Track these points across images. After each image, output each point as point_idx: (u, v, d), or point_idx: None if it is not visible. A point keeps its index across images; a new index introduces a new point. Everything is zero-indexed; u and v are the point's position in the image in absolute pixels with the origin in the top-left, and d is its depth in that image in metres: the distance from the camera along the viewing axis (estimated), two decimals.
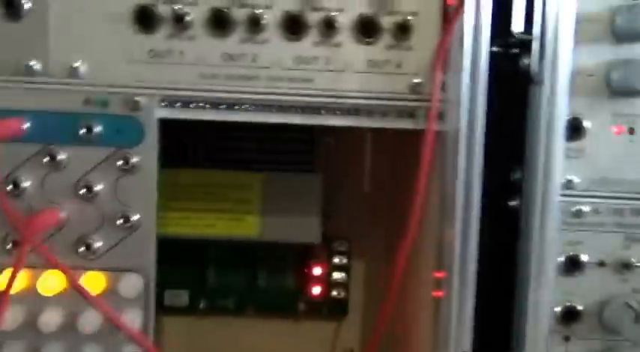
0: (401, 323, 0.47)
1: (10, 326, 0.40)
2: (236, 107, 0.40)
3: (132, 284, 0.41)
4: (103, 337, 0.41)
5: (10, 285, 0.36)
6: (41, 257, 0.37)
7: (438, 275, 0.42)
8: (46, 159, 0.40)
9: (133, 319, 0.41)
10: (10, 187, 0.40)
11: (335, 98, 0.40)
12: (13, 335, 0.40)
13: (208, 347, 0.57)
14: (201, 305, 0.57)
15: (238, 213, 0.52)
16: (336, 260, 0.58)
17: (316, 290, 0.57)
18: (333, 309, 0.58)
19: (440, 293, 0.42)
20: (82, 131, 0.40)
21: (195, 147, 0.52)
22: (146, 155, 0.40)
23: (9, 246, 0.40)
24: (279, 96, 0.40)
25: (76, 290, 0.36)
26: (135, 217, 0.40)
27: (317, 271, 0.57)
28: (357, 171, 0.58)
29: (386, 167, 0.58)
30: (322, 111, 0.41)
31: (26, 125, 0.39)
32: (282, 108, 0.40)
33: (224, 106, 0.40)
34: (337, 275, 0.58)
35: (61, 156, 0.40)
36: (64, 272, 0.36)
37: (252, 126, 0.51)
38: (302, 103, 0.40)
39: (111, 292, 0.41)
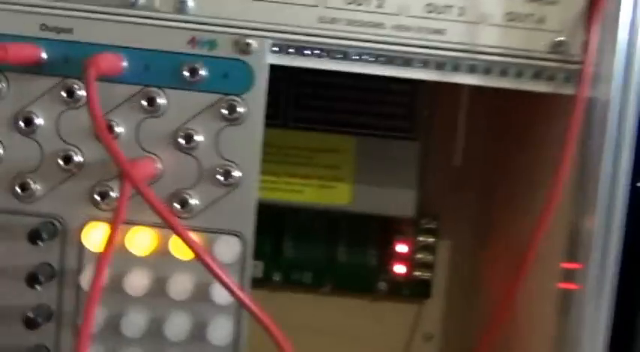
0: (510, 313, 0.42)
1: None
2: (355, 57, 0.36)
3: (229, 248, 0.37)
4: (191, 304, 0.37)
5: (112, 238, 0.32)
6: (142, 204, 0.32)
7: (569, 266, 0.37)
8: (143, 103, 0.36)
9: None
10: None
11: (467, 53, 0.36)
12: None
13: (280, 323, 0.53)
14: (276, 278, 0.53)
15: (328, 179, 0.48)
16: (422, 238, 0.53)
17: (399, 269, 0.53)
18: (415, 291, 0.54)
19: (569, 285, 0.37)
20: (186, 74, 0.35)
21: (285, 106, 0.48)
22: (254, 104, 0.36)
23: (97, 198, 0.36)
24: (405, 47, 0.36)
25: (182, 239, 0.32)
26: (237, 174, 0.36)
27: (401, 249, 0.53)
28: (448, 143, 0.54)
29: (480, 141, 0.53)
30: (451, 67, 0.36)
31: (124, 63, 0.35)
32: (407, 61, 0.36)
33: (341, 56, 0.36)
34: (422, 255, 0.54)
35: (161, 101, 0.36)
36: (169, 219, 0.32)
37: (347, 85, 0.48)
38: (430, 57, 0.36)
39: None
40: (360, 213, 0.48)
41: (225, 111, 0.36)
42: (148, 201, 0.32)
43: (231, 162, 0.36)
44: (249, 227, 0.37)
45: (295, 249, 0.53)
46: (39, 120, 0.36)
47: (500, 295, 0.49)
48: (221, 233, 0.37)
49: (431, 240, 0.53)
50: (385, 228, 0.53)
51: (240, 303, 0.34)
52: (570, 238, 0.38)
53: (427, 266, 0.54)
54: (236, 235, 0.37)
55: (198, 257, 0.33)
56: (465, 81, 0.36)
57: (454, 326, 0.55)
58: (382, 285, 0.54)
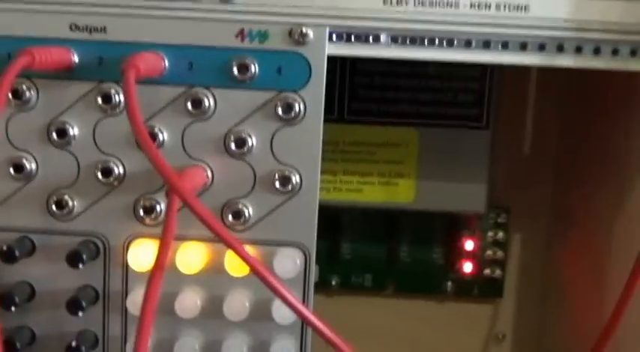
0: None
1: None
2: (427, 42, 0.32)
3: (290, 261, 0.33)
4: (250, 325, 0.33)
5: (162, 258, 0.28)
6: (191, 219, 0.28)
7: None
8: (188, 106, 0.32)
9: None
10: None
11: (555, 31, 0.31)
12: None
13: (340, 329, 0.50)
14: (334, 282, 0.49)
15: (390, 176, 0.44)
16: (492, 233, 0.49)
17: (467, 267, 0.49)
18: (485, 290, 0.50)
19: None
20: (235, 71, 0.31)
21: (340, 98, 0.44)
22: (312, 101, 0.32)
23: (141, 212, 0.33)
24: (483, 27, 0.31)
25: (237, 254, 0.28)
26: (295, 179, 0.32)
27: (469, 245, 0.49)
28: (516, 130, 0.49)
29: (551, 127, 0.49)
30: (535, 48, 0.32)
31: (165, 63, 0.31)
32: (486, 43, 0.32)
33: (410, 42, 0.32)
34: (492, 251, 0.49)
35: (208, 102, 0.32)
36: (222, 234, 0.28)
37: (407, 72, 0.43)
38: (511, 37, 0.31)
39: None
40: (426, 212, 0.44)
41: (280, 110, 0.32)
42: (197, 214, 0.28)
43: (289, 166, 0.32)
44: (311, 237, 0.33)
45: (353, 250, 0.49)
46: (74, 131, 0.32)
47: (581, 293, 0.44)
48: (280, 245, 0.33)
49: (501, 235, 0.49)
50: (451, 224, 0.49)
51: (305, 321, 0.31)
52: None
53: (498, 263, 0.49)
54: (297, 246, 0.33)
55: (256, 273, 0.29)
56: (554, 63, 0.32)
57: (528, 326, 0.51)
58: (449, 285, 0.50)
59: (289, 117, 0.32)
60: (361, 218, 0.49)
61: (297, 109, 0.32)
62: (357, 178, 0.44)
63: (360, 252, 0.49)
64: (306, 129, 0.32)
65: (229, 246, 0.29)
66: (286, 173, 0.32)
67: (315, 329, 0.30)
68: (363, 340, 0.49)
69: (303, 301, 0.34)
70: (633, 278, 0.34)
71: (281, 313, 0.33)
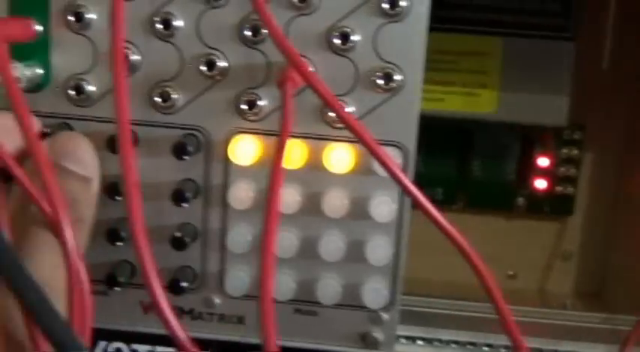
0: None
1: (242, 204, 0.33)
2: None
3: None
4: (347, 222, 0.34)
5: (281, 149, 0.28)
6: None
7: None
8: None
9: (387, 201, 0.33)
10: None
11: None
12: (243, 217, 0.34)
13: (411, 241, 0.50)
14: None
15: (473, 85, 0.44)
16: (566, 150, 0.49)
17: (540, 184, 0.49)
18: (556, 207, 0.50)
19: None
20: None
21: None
22: None
23: (243, 107, 0.33)
24: None
25: (351, 129, 0.28)
26: (398, 77, 0.32)
27: (543, 162, 0.49)
28: (596, 44, 0.48)
29: (631, 45, 0.48)
30: None
31: None
32: None
33: None
34: (565, 168, 0.49)
35: None
36: (343, 115, 0.28)
37: None
38: None
39: (362, 169, 0.33)
40: (507, 123, 0.44)
41: (386, 6, 0.31)
42: (320, 94, 0.28)
43: (392, 64, 0.32)
44: (411, 137, 0.33)
45: (425, 163, 0.49)
46: (177, 22, 0.32)
47: None
48: (380, 144, 0.33)
49: (575, 152, 0.49)
50: (524, 140, 0.49)
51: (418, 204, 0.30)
52: None
53: (570, 180, 0.49)
54: (396, 146, 0.33)
55: (386, 168, 0.29)
56: None
57: (595, 244, 0.51)
58: (521, 201, 0.50)
59: (395, 12, 0.31)
60: (434, 130, 0.49)
61: (402, 5, 0.31)
62: (439, 87, 0.44)
63: (432, 165, 0.49)
64: (411, 26, 0.32)
65: (348, 125, 0.29)
66: (389, 70, 0.32)
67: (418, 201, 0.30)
68: (431, 253, 0.50)
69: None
70: None
71: (379, 211, 0.33)
